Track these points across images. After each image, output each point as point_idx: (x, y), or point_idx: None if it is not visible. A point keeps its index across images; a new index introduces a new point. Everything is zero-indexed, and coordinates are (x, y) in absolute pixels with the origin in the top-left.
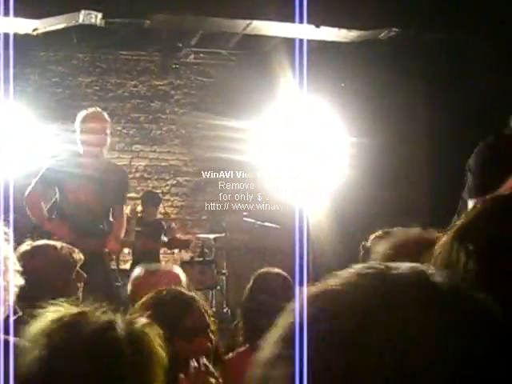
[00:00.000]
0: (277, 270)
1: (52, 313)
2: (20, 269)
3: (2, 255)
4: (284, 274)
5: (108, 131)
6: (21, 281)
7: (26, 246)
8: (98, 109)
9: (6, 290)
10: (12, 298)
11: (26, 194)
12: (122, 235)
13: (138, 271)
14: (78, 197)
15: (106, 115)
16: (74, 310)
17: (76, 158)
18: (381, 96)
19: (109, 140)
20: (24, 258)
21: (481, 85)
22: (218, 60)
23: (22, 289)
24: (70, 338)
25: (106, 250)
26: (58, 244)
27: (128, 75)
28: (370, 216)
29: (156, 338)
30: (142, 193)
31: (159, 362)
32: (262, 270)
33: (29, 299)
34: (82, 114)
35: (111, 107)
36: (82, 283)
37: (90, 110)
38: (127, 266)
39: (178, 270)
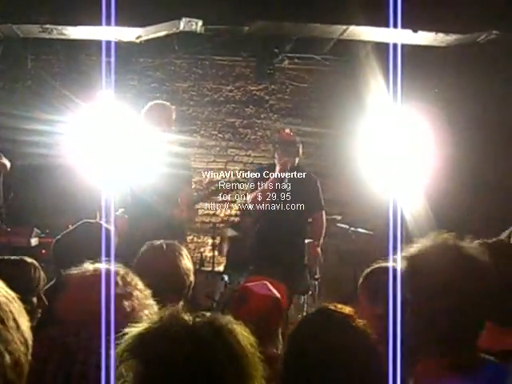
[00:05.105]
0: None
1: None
2: None
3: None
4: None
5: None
6: None
7: None
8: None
9: None
10: None
11: None
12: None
13: None
14: None
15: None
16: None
17: None
18: (476, 102)
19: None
20: None
21: None
22: (312, 65)
23: None
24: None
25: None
26: None
27: (224, 80)
28: (464, 226)
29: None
30: None
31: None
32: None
33: None
34: None
35: (207, 112)
36: None
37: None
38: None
39: None
